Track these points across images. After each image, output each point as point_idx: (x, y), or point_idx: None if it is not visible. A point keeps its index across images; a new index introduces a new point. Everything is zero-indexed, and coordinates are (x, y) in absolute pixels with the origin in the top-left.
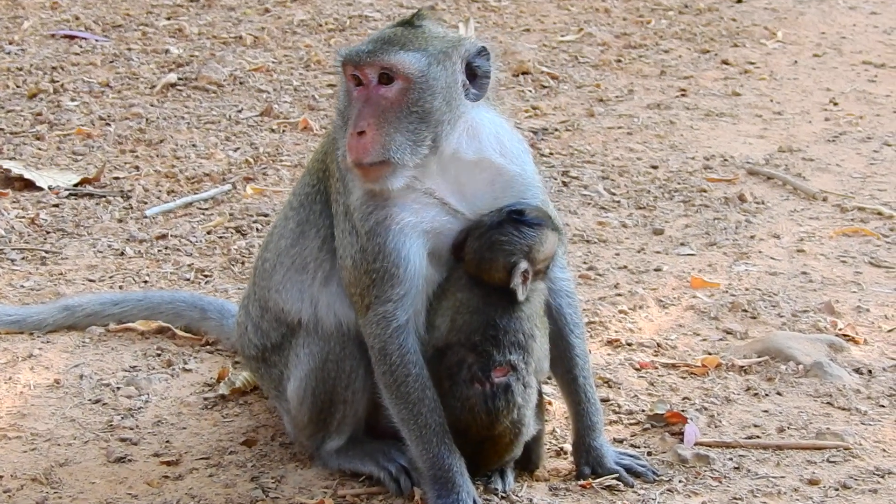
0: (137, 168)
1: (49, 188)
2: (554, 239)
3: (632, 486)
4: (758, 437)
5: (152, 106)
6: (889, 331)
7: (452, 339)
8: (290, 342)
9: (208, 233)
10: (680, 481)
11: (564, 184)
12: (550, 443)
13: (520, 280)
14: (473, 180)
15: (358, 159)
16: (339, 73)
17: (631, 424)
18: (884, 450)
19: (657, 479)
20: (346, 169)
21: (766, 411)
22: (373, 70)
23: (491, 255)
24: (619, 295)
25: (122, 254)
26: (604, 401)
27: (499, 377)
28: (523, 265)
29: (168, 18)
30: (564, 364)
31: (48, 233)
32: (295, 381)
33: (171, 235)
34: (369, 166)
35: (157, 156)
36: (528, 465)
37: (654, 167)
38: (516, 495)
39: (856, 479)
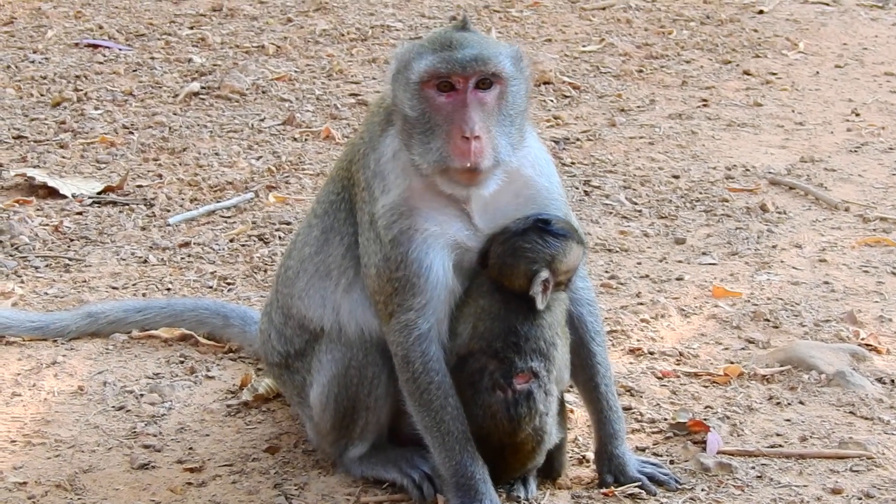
0: (160, 176)
1: (73, 196)
2: (578, 251)
3: (654, 495)
4: (780, 446)
5: (175, 115)
6: None
7: (474, 346)
8: (313, 348)
9: (231, 241)
10: (702, 490)
11: (586, 193)
12: (573, 451)
13: (540, 288)
14: (501, 191)
15: (475, 164)
16: (409, 79)
17: (653, 433)
18: None
19: (679, 487)
20: (431, 174)
21: (788, 420)
22: (476, 76)
23: (513, 262)
24: (641, 304)
25: (146, 261)
26: (626, 409)
27: (521, 384)
28: (544, 274)
29: (191, 28)
30: (586, 372)
31: (72, 240)
32: (318, 388)
33: (194, 243)
34: (482, 170)
35: (180, 164)
36: (550, 472)
37: (676, 177)
38: (539, 503)
39: (878, 489)
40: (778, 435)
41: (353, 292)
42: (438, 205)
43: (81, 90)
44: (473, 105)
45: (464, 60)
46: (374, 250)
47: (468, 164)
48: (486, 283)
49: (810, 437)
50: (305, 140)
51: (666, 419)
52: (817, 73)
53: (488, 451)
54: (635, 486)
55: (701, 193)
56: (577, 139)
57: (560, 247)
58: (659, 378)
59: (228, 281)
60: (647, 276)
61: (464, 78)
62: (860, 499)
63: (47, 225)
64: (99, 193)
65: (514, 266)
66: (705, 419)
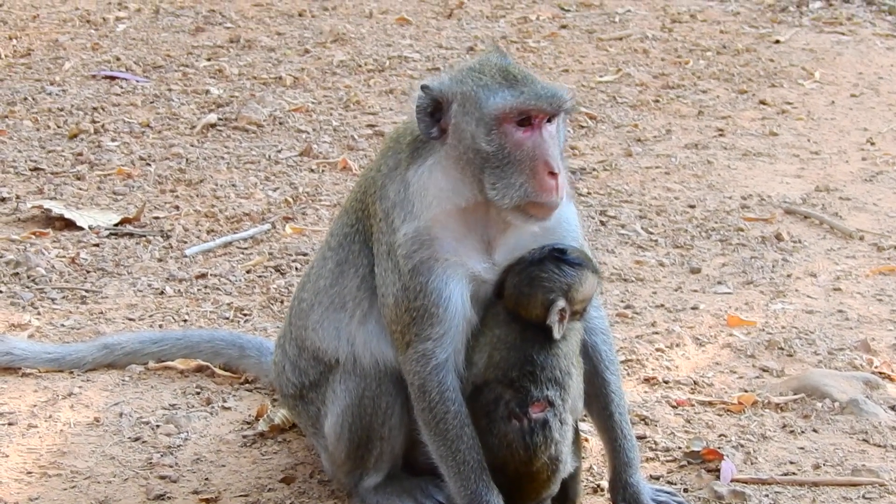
0: (177, 208)
1: (89, 228)
2: (593, 281)
3: None
4: (794, 473)
5: (192, 146)
6: None
7: (490, 376)
8: (328, 379)
9: (248, 272)
10: None
11: (602, 223)
12: (587, 480)
13: (556, 317)
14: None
15: (560, 199)
16: (484, 114)
17: (667, 461)
18: None
19: None
20: (508, 208)
21: (801, 448)
22: (556, 112)
23: (530, 291)
24: (656, 333)
25: (162, 293)
26: (640, 438)
27: (536, 413)
28: (561, 303)
29: (208, 59)
30: (600, 401)
31: (88, 272)
32: (332, 418)
33: (211, 274)
34: (560, 204)
35: (197, 196)
36: (565, 501)
37: (692, 206)
38: None
39: None
40: (791, 463)
41: (368, 324)
42: (459, 235)
43: (98, 122)
44: (550, 140)
45: (547, 97)
46: (392, 280)
47: (554, 200)
48: (502, 312)
49: (823, 464)
50: (322, 171)
51: (680, 448)
52: (833, 102)
53: (503, 480)
54: None
55: (716, 223)
56: (594, 169)
57: (576, 276)
58: (673, 407)
59: (245, 312)
60: (662, 305)
61: (543, 114)
62: None
63: (64, 257)
64: (116, 225)
65: (531, 295)
66: (719, 447)
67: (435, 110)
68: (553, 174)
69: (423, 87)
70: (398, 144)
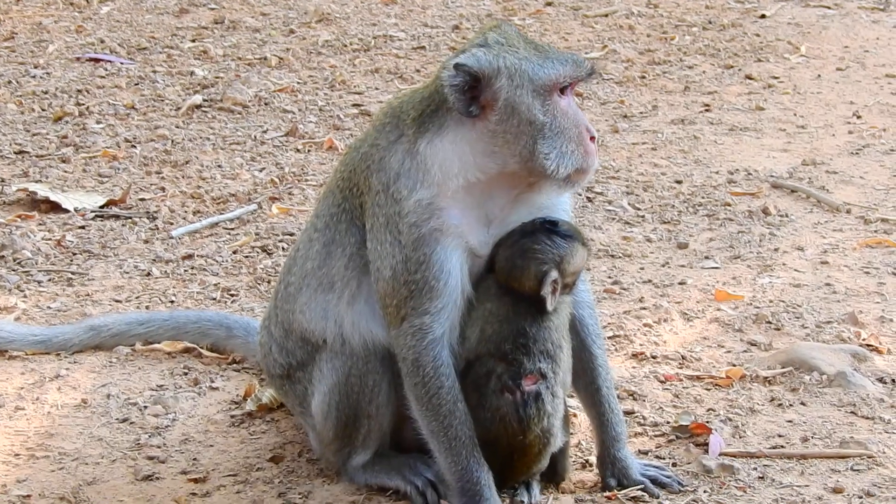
0: (163, 189)
1: (75, 210)
2: (584, 253)
3: (657, 497)
4: (782, 446)
5: (178, 127)
6: None
7: (482, 350)
8: (315, 358)
9: (234, 252)
10: (705, 491)
11: (589, 199)
12: (576, 455)
13: (549, 289)
14: (521, 200)
15: (596, 163)
16: (537, 86)
17: (656, 436)
18: None
19: (682, 489)
20: (563, 177)
21: (790, 421)
22: (585, 79)
23: (523, 263)
24: (644, 308)
25: (149, 274)
26: (629, 413)
27: (529, 385)
28: (554, 275)
29: (193, 41)
30: (587, 375)
31: (74, 254)
32: (319, 396)
33: (197, 255)
34: None
35: (183, 177)
36: (553, 477)
37: (679, 182)
38: None
39: (879, 487)
40: (780, 436)
41: (357, 304)
42: (465, 209)
43: (83, 104)
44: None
45: (584, 64)
46: (391, 252)
47: (595, 163)
48: (494, 286)
49: (812, 437)
50: (308, 151)
51: (668, 422)
52: (819, 76)
53: (494, 456)
54: (638, 489)
55: (703, 198)
56: None
57: (568, 248)
58: (661, 382)
59: (232, 292)
60: (649, 280)
61: (579, 81)
62: (861, 498)
63: (50, 239)
64: (101, 207)
65: (524, 268)
66: (707, 422)
67: (471, 88)
68: (593, 138)
69: (458, 66)
70: (398, 119)
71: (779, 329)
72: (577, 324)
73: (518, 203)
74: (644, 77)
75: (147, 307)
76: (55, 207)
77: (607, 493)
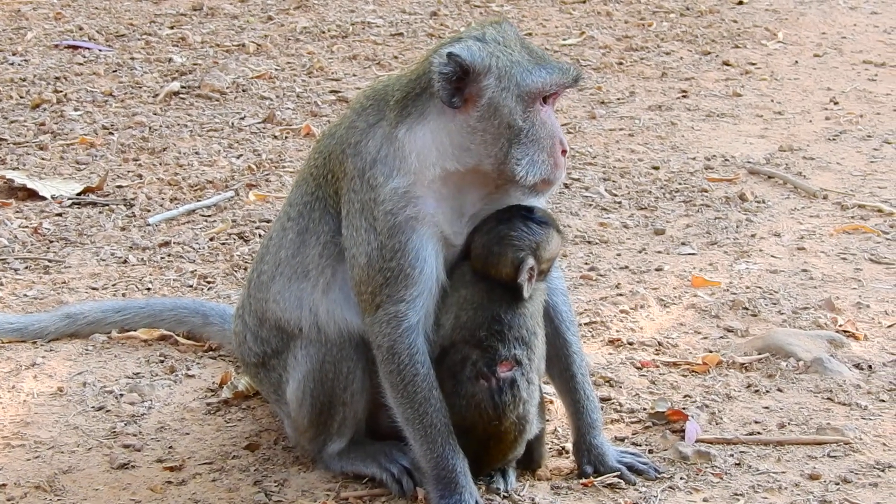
0: (140, 176)
1: (52, 197)
2: (559, 240)
3: (634, 484)
4: (759, 433)
5: (155, 114)
6: (889, 326)
7: (457, 337)
8: (289, 346)
9: (211, 239)
10: (681, 478)
11: (566, 186)
12: (552, 442)
13: (526, 276)
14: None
15: (562, 176)
16: (522, 90)
17: (632, 423)
18: (884, 444)
19: (659, 476)
20: (529, 184)
21: (766, 408)
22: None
23: (500, 250)
24: (621, 295)
25: (125, 262)
26: (605, 400)
27: (504, 372)
28: (530, 261)
29: (171, 28)
30: (562, 362)
31: (51, 242)
32: (294, 384)
33: (174, 243)
34: None
35: (160, 164)
36: (530, 464)
37: (656, 168)
38: (518, 494)
39: (856, 474)
40: (756, 422)
41: (332, 292)
42: (440, 198)
43: (61, 91)
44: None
45: (572, 75)
46: (366, 239)
47: (562, 176)
48: (469, 273)
49: (788, 423)
50: (286, 138)
51: (645, 409)
52: (796, 62)
53: (470, 443)
54: (614, 476)
55: (680, 184)
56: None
57: (543, 234)
58: (638, 368)
59: (209, 279)
60: (626, 267)
61: (562, 92)
62: (838, 484)
63: (26, 227)
64: (78, 194)
65: (501, 254)
66: (684, 408)
67: (459, 79)
68: (564, 151)
69: (451, 55)
70: (379, 103)
71: (755, 315)
72: (551, 311)
73: (490, 201)
74: (621, 63)
75: (123, 295)
76: (32, 195)
77: (583, 480)
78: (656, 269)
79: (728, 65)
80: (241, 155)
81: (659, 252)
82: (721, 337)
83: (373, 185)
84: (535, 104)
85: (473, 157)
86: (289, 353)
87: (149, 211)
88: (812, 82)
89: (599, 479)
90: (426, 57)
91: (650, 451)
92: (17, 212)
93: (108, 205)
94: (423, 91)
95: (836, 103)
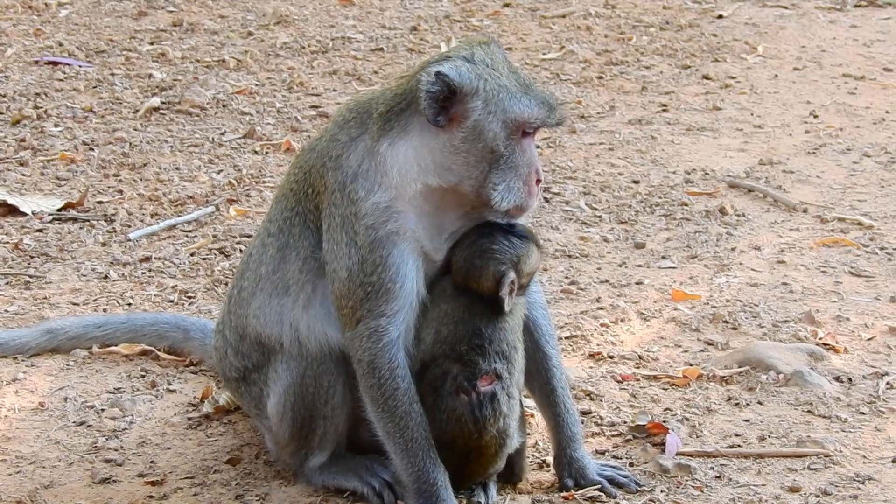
0: (121, 192)
1: (33, 213)
2: (538, 255)
3: (614, 497)
4: (739, 446)
5: (136, 130)
6: (869, 339)
7: (437, 351)
8: (270, 360)
9: (192, 255)
10: (662, 491)
11: (546, 200)
12: (533, 455)
13: (507, 290)
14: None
15: (535, 205)
16: (507, 119)
17: (613, 436)
18: (864, 456)
19: (639, 489)
20: (502, 210)
21: (747, 421)
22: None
23: (481, 263)
24: (601, 308)
25: (106, 277)
26: (586, 413)
27: (485, 386)
28: (511, 275)
29: (151, 43)
30: (542, 376)
31: (32, 257)
32: (274, 398)
33: (155, 258)
34: None
35: (141, 179)
36: (510, 477)
37: (636, 182)
38: None
39: (836, 486)
40: (737, 435)
41: (312, 307)
42: (421, 213)
43: (41, 107)
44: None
45: (559, 110)
46: (347, 253)
47: (534, 205)
48: (449, 287)
49: (769, 436)
50: (266, 153)
51: (625, 422)
52: (776, 76)
53: (451, 457)
54: (595, 490)
55: (660, 198)
56: (538, 146)
57: (524, 248)
58: (618, 382)
59: (189, 295)
60: (606, 280)
61: (547, 125)
62: (818, 496)
63: (7, 243)
64: (59, 210)
65: (483, 268)
66: (664, 421)
67: (446, 98)
68: (539, 181)
69: (439, 74)
70: (362, 116)
71: (736, 328)
72: (531, 325)
73: (469, 220)
74: (601, 77)
75: (104, 310)
76: (13, 211)
77: (564, 494)
78: (637, 283)
79: (708, 79)
80: (222, 170)
81: (639, 266)
82: (701, 350)
83: (354, 199)
84: (518, 133)
85: (455, 176)
86: (269, 368)
87: (129, 226)
88: (792, 96)
89: (580, 492)
90: (413, 73)
91: (631, 464)
92: None
93: (88, 220)
94: (407, 106)
95: (815, 117)
